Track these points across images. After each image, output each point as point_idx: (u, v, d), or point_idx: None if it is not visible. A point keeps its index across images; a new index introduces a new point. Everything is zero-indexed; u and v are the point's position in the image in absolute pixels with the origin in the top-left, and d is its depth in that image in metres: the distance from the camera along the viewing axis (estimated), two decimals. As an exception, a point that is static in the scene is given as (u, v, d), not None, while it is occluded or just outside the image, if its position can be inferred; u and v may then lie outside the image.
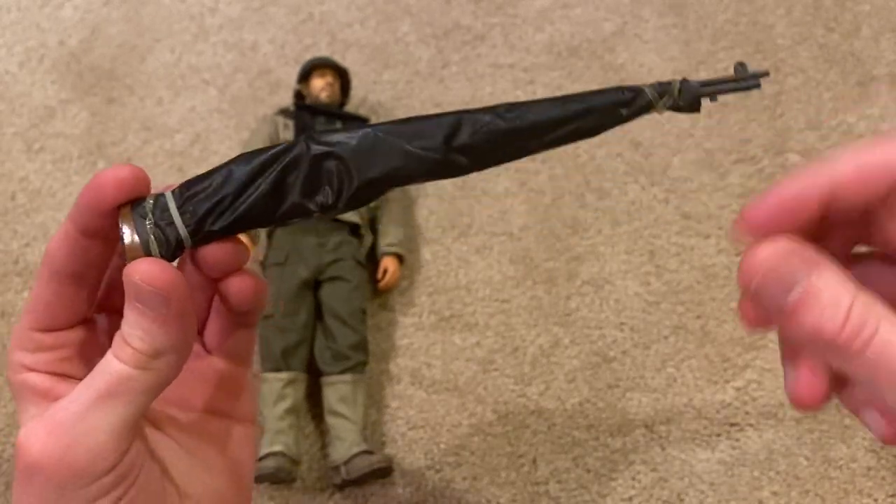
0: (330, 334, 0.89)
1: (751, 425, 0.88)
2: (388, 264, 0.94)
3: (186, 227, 0.25)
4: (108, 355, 0.25)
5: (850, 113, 1.08)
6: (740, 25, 1.16)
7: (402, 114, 1.09)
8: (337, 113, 1.01)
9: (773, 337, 0.94)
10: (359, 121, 1.01)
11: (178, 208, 0.25)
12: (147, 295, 0.24)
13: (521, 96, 1.10)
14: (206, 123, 1.08)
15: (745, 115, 1.08)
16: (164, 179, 1.08)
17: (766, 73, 0.24)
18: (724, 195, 1.02)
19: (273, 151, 0.25)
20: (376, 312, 0.96)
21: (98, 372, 0.25)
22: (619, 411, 0.89)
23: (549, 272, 0.97)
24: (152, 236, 0.24)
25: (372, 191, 0.25)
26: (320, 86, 1.02)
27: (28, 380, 0.26)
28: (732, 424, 0.88)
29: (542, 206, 1.01)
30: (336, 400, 0.86)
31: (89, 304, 0.28)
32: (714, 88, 0.24)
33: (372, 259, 0.96)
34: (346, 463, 0.82)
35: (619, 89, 0.24)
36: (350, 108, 1.07)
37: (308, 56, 1.11)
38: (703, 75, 1.12)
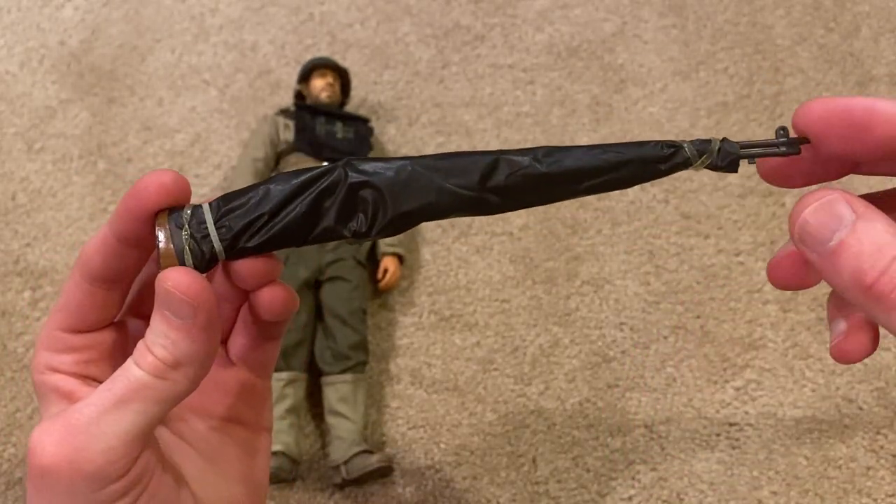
0: (330, 334, 0.89)
1: (750, 425, 0.88)
2: (389, 264, 0.94)
3: (221, 241, 0.25)
4: (129, 361, 0.25)
5: (849, 113, 1.08)
6: (740, 26, 1.16)
7: (402, 114, 1.09)
8: (337, 113, 1.01)
9: (772, 337, 0.94)
10: (359, 121, 1.01)
11: (215, 222, 0.25)
12: (176, 303, 0.24)
13: (521, 96, 1.10)
14: (207, 124, 1.08)
15: (745, 115, 1.08)
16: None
17: (806, 141, 0.24)
18: (723, 195, 1.02)
19: (311, 174, 0.25)
20: (376, 312, 0.96)
21: (116, 377, 0.25)
22: (618, 411, 0.89)
23: (549, 272, 0.97)
24: (187, 247, 0.25)
25: (404, 222, 0.25)
26: (321, 86, 1.02)
27: (52, 381, 0.27)
28: (732, 424, 0.88)
29: (542, 206, 1.01)
30: (336, 400, 0.86)
31: (119, 307, 0.28)
32: (753, 151, 0.24)
33: (372, 259, 0.97)
34: (346, 463, 0.82)
35: (659, 144, 0.25)
36: (350, 108, 1.07)
37: (308, 56, 1.11)
38: (702, 76, 1.12)
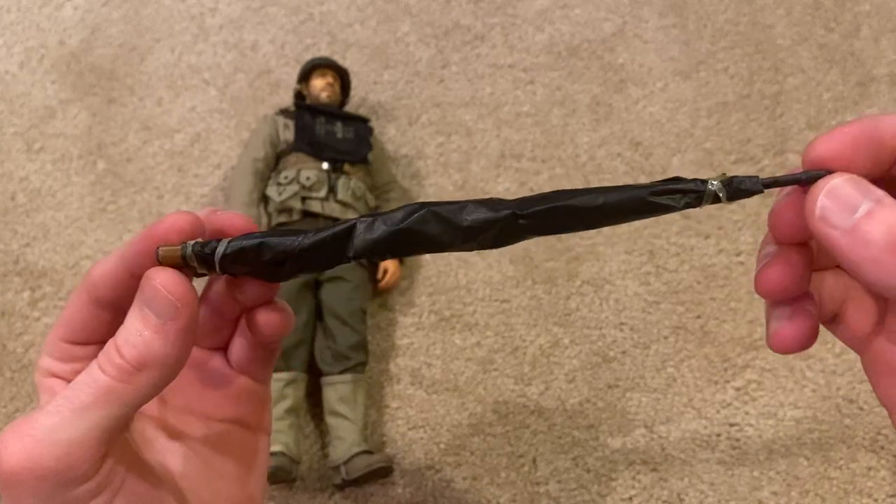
0: (330, 334, 0.89)
1: (751, 425, 0.88)
2: (389, 264, 0.94)
3: (228, 244, 0.25)
4: (93, 365, 0.25)
5: (849, 113, 1.08)
6: (740, 25, 1.16)
7: (402, 114, 1.09)
8: (337, 113, 1.01)
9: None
10: (359, 121, 1.01)
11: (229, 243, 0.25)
12: (160, 301, 0.24)
13: (521, 96, 1.10)
14: (206, 123, 1.08)
15: (745, 115, 1.08)
16: (164, 179, 1.08)
17: (828, 172, 0.23)
18: (723, 195, 1.02)
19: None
20: (376, 312, 0.96)
21: (79, 382, 0.24)
22: (619, 411, 0.89)
23: (549, 272, 0.97)
24: (191, 250, 0.25)
25: (405, 239, 0.25)
26: (321, 86, 1.02)
27: (49, 383, 0.27)
28: (732, 424, 0.88)
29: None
30: (336, 400, 0.86)
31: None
32: (772, 180, 0.24)
33: (372, 259, 0.96)
34: (346, 463, 0.82)
35: (694, 180, 0.24)
36: (350, 108, 1.07)
37: (308, 56, 1.11)
38: (702, 75, 1.12)
